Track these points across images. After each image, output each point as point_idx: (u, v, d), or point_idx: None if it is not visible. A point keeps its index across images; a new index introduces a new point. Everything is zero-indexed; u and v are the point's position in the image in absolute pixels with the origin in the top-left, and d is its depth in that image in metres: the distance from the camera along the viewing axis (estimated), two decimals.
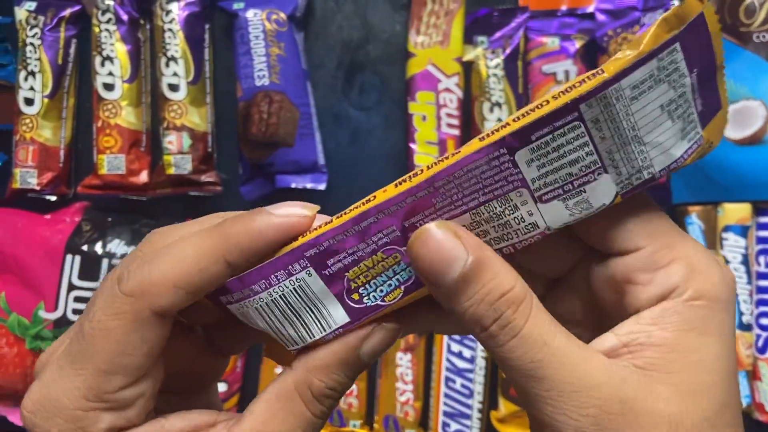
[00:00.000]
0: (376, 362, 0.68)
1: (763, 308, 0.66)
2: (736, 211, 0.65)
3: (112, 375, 0.23)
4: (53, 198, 0.68)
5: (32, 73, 0.66)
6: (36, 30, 0.67)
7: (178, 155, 0.66)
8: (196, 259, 0.23)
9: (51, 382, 0.24)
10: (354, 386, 0.67)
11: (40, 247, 0.65)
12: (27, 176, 0.66)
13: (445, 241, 0.21)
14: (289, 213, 0.23)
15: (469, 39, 0.67)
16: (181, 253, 0.23)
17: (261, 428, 0.24)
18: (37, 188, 0.66)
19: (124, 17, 0.66)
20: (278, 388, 0.25)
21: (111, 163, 0.66)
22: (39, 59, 0.66)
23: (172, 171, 0.66)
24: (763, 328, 0.66)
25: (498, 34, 0.67)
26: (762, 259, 0.66)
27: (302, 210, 0.24)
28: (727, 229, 0.66)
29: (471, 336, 0.66)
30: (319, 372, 0.25)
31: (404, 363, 0.66)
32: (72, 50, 0.68)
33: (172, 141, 0.66)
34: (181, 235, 0.24)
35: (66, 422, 0.23)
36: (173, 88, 0.66)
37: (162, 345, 0.24)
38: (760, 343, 0.66)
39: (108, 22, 0.66)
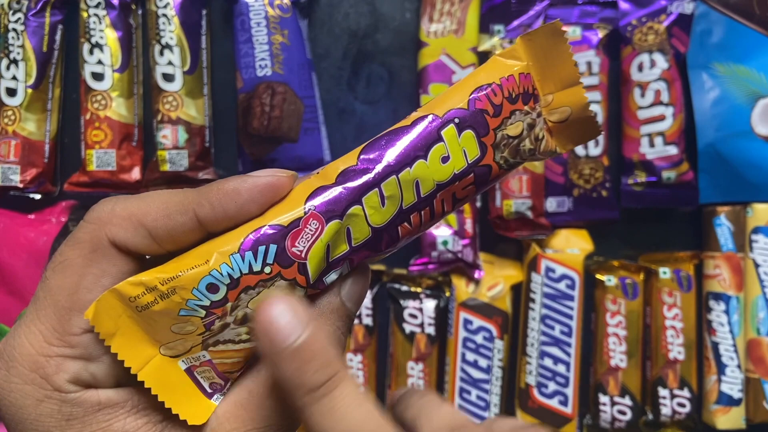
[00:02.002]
0: (385, 372, 0.64)
1: None
2: (766, 212, 0.62)
3: (73, 312, 0.22)
4: (38, 196, 0.62)
5: (14, 62, 0.61)
6: (19, 15, 0.61)
7: (173, 151, 0.61)
8: (164, 204, 0.23)
9: (15, 330, 0.23)
10: None
11: (23, 250, 0.60)
12: (9, 173, 0.61)
13: (282, 316, 0.22)
14: (265, 173, 0.23)
15: (485, 28, 0.63)
16: (151, 197, 0.23)
17: (248, 400, 0.24)
18: (20, 186, 0.61)
19: (115, 1, 0.61)
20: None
21: (100, 158, 0.61)
22: (22, 46, 0.61)
23: (166, 168, 0.61)
24: None
25: (516, 23, 0.63)
26: None
27: (278, 172, 0.24)
28: (756, 230, 0.62)
29: (487, 344, 0.62)
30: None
31: (416, 373, 0.62)
32: (58, 37, 0.63)
33: (166, 135, 0.61)
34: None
35: (28, 370, 0.22)
36: (168, 78, 0.61)
37: None
38: None
39: (97, 6, 0.61)
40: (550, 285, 0.62)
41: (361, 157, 0.25)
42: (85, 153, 0.61)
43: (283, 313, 0.21)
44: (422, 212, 0.25)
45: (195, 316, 0.23)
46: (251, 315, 0.24)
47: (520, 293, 0.64)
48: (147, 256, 0.24)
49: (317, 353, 0.21)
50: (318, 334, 0.22)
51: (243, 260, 0.23)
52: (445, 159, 0.25)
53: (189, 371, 0.24)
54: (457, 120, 0.25)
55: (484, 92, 0.25)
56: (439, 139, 0.25)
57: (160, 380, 0.24)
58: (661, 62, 0.62)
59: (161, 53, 0.61)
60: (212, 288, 0.23)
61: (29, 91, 0.61)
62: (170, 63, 0.61)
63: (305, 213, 0.24)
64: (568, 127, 0.27)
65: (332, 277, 0.25)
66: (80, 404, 0.23)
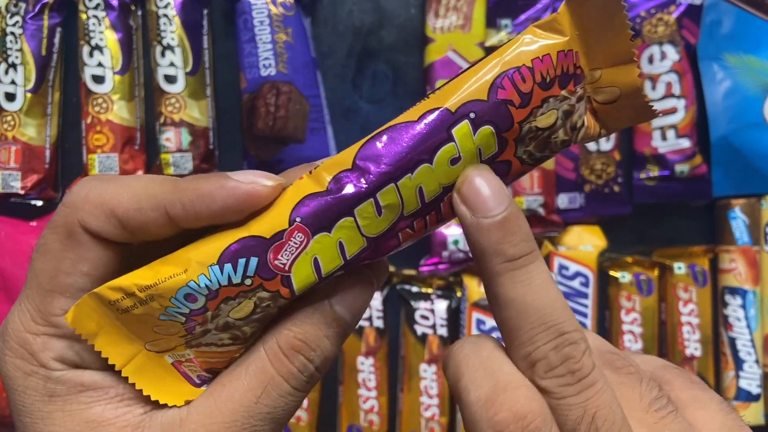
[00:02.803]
0: (397, 375, 0.63)
1: None
2: None
3: (54, 294, 0.23)
4: (39, 203, 0.61)
5: (13, 66, 0.60)
6: (17, 18, 0.60)
7: (177, 153, 0.60)
8: (138, 197, 0.22)
9: (13, 308, 0.24)
10: (375, 402, 0.61)
11: (26, 258, 0.59)
12: (10, 179, 0.59)
13: (487, 187, 0.22)
14: (246, 179, 0.22)
15: (492, 22, 0.62)
16: (128, 185, 0.22)
17: (219, 392, 0.23)
18: (21, 192, 0.60)
19: (114, 2, 0.60)
20: (249, 350, 0.24)
21: (103, 163, 0.60)
22: (20, 50, 0.60)
23: (170, 171, 0.60)
24: None
25: (523, 17, 0.62)
26: None
27: (263, 179, 0.22)
28: None
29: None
30: (287, 322, 0.23)
31: (429, 375, 0.61)
32: (57, 40, 0.62)
33: (170, 138, 0.60)
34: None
35: (18, 346, 0.23)
36: (170, 79, 0.60)
37: (105, 272, 0.23)
38: None
39: (96, 8, 0.60)
40: (563, 283, 0.61)
41: (357, 160, 0.22)
42: (87, 158, 0.60)
43: (489, 186, 0.22)
44: (427, 217, 0.23)
45: (175, 320, 0.22)
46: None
47: None
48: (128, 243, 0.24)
49: (520, 227, 0.22)
50: (520, 213, 0.22)
51: (222, 272, 0.22)
52: (454, 161, 0.22)
53: (175, 365, 0.24)
54: (472, 115, 0.22)
55: (510, 77, 0.22)
56: (449, 138, 0.22)
57: (145, 372, 0.23)
58: (672, 54, 0.61)
59: (163, 54, 0.60)
60: (190, 298, 0.22)
61: (28, 95, 0.60)
62: (172, 64, 0.60)
63: (290, 224, 0.22)
64: (616, 108, 0.23)
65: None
66: (63, 383, 0.23)
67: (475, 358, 0.22)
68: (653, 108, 0.23)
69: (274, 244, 0.22)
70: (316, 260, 0.22)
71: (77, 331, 0.22)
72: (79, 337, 0.23)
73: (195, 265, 0.22)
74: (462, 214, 0.22)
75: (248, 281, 0.22)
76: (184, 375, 0.24)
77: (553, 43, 0.22)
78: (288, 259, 0.22)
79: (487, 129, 0.22)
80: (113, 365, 0.23)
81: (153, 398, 0.23)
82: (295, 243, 0.22)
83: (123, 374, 0.23)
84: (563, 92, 0.22)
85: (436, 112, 0.22)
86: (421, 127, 0.22)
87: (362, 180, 0.22)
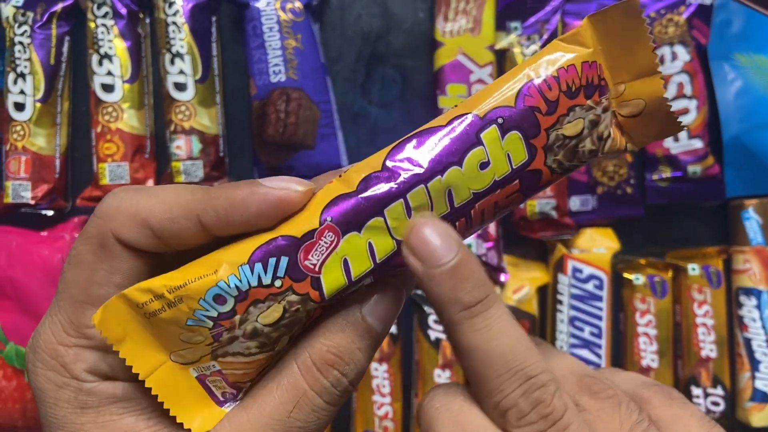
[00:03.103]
0: (411, 381, 0.63)
1: None
2: None
3: (86, 306, 0.23)
4: (50, 213, 0.61)
5: (22, 75, 0.60)
6: (25, 27, 0.60)
7: (187, 161, 0.60)
8: (170, 206, 0.22)
9: (44, 320, 0.23)
10: (389, 408, 0.61)
11: (38, 268, 0.58)
12: (20, 189, 0.59)
13: (436, 236, 0.22)
14: (278, 185, 0.22)
15: (501, 25, 0.62)
16: (160, 195, 0.23)
17: (251, 406, 0.23)
18: (32, 202, 0.59)
19: (123, 11, 0.60)
20: (280, 364, 0.23)
21: (113, 172, 0.59)
22: (29, 59, 0.60)
23: (181, 179, 0.60)
24: None
25: (533, 19, 0.62)
26: None
27: (294, 185, 0.22)
28: None
29: None
30: (319, 336, 0.23)
31: (443, 380, 0.61)
32: (65, 49, 0.61)
33: (180, 146, 0.59)
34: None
35: (50, 358, 0.23)
36: (180, 87, 0.60)
37: (138, 282, 0.23)
38: None
39: (105, 16, 0.60)
40: (577, 286, 0.60)
41: (387, 161, 0.22)
42: (97, 167, 0.60)
43: (437, 234, 0.21)
44: (457, 222, 0.23)
45: (203, 326, 0.22)
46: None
47: (546, 295, 0.63)
48: (160, 253, 0.24)
49: (472, 272, 0.21)
50: (471, 255, 0.22)
51: (252, 272, 0.22)
52: (484, 165, 0.22)
53: (200, 379, 0.23)
54: (500, 120, 0.22)
55: (536, 86, 0.22)
56: (478, 142, 0.22)
57: (169, 386, 0.23)
58: (683, 54, 0.60)
59: (172, 62, 0.60)
60: (220, 299, 0.22)
61: (38, 105, 0.60)
62: (181, 72, 0.60)
63: (320, 224, 0.22)
64: (642, 121, 0.23)
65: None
66: (95, 394, 0.23)
67: (446, 412, 0.22)
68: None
69: (304, 244, 0.22)
70: (345, 261, 0.22)
71: (103, 334, 0.22)
72: (110, 347, 0.23)
73: (225, 265, 0.22)
74: (412, 266, 0.22)
75: (278, 282, 0.22)
76: (208, 391, 0.23)
77: (577, 55, 0.23)
78: (318, 260, 0.22)
79: (515, 134, 0.22)
80: (137, 374, 0.23)
81: (178, 419, 0.23)
82: (325, 243, 0.22)
83: (146, 384, 0.23)
84: (589, 102, 0.23)
85: (465, 117, 0.22)
86: (450, 130, 0.22)
87: (392, 181, 0.22)
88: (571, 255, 0.61)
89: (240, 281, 0.22)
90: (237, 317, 0.22)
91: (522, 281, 0.62)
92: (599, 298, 0.60)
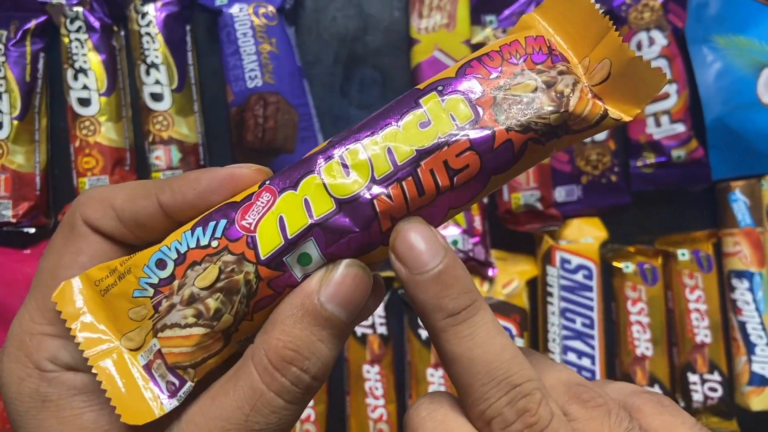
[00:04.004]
0: (404, 380, 0.62)
1: None
2: None
3: (53, 289, 0.23)
4: (32, 230, 0.60)
5: None
6: None
7: (167, 171, 0.59)
8: (133, 190, 0.24)
9: (17, 314, 0.24)
10: (383, 410, 0.60)
11: (22, 287, 0.58)
12: (1, 208, 0.59)
13: (421, 241, 0.21)
14: (228, 167, 0.23)
15: (476, 19, 0.62)
16: (126, 184, 0.25)
17: (208, 408, 0.22)
18: (13, 221, 0.59)
19: (96, 24, 0.60)
20: (239, 362, 0.22)
21: (93, 185, 0.59)
22: (4, 78, 0.59)
23: None
24: None
25: (507, 12, 0.61)
26: None
27: (245, 165, 0.24)
28: None
29: None
30: (274, 329, 0.22)
31: (436, 379, 0.60)
32: (40, 65, 0.61)
33: (159, 156, 0.59)
34: None
35: (15, 349, 0.23)
36: (156, 97, 0.59)
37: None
38: None
39: (78, 30, 0.59)
40: (566, 277, 0.60)
41: (330, 140, 0.23)
42: (77, 181, 0.59)
43: (422, 239, 0.21)
44: (404, 183, 0.22)
45: (145, 296, 0.22)
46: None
47: (536, 288, 0.62)
48: (129, 245, 0.25)
49: (458, 278, 0.21)
50: (457, 261, 0.22)
51: (192, 235, 0.22)
52: (424, 124, 0.22)
53: (147, 368, 0.23)
54: (440, 87, 0.22)
55: (478, 59, 0.23)
56: (417, 106, 0.22)
57: (116, 373, 0.23)
58: (660, 39, 0.60)
59: (147, 73, 0.59)
60: (161, 264, 0.22)
61: (15, 123, 0.59)
62: (157, 82, 0.59)
63: (259, 187, 0.22)
64: (620, 82, 0.22)
65: (298, 263, 0.22)
66: (56, 385, 0.23)
67: (431, 421, 0.21)
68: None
69: (242, 206, 0.22)
70: (281, 219, 0.22)
71: (58, 308, 0.22)
72: (69, 332, 0.23)
73: (172, 236, 0.23)
74: (398, 271, 0.22)
75: (215, 243, 0.22)
76: (154, 381, 0.23)
77: (520, 33, 0.23)
78: (254, 219, 0.22)
79: (455, 97, 0.22)
80: (90, 364, 0.22)
81: (116, 410, 0.22)
82: (261, 203, 0.22)
83: (93, 369, 0.22)
84: (539, 66, 0.23)
85: (406, 93, 0.23)
86: (390, 104, 0.23)
87: (330, 147, 0.22)
88: (559, 246, 0.60)
89: (180, 244, 0.22)
90: (176, 282, 0.22)
91: (511, 275, 0.61)
92: (589, 288, 0.60)
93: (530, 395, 0.20)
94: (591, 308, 0.60)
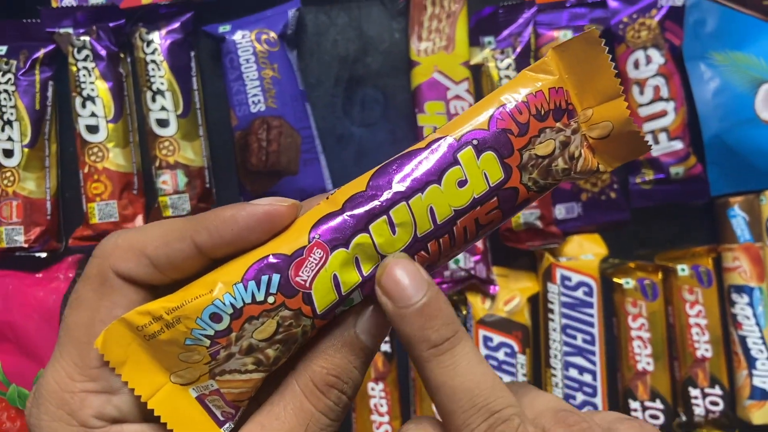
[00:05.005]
0: (409, 396, 0.63)
1: None
2: None
3: (91, 346, 0.23)
4: (43, 255, 0.62)
5: (9, 123, 0.61)
6: (9, 75, 0.61)
7: (174, 195, 0.61)
8: (163, 233, 0.24)
9: (45, 372, 0.24)
10: (389, 426, 0.61)
11: (35, 310, 0.60)
12: (13, 234, 0.61)
13: (406, 276, 0.23)
14: (264, 202, 0.24)
15: (475, 41, 0.63)
16: (152, 227, 0.24)
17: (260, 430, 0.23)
18: (26, 245, 0.61)
19: (102, 52, 0.61)
20: (281, 388, 0.24)
21: (102, 210, 0.61)
22: (15, 107, 0.61)
23: (169, 213, 0.61)
24: None
25: (505, 33, 0.62)
26: None
27: (275, 201, 0.24)
28: None
29: (510, 360, 0.61)
30: (317, 358, 0.24)
31: None
32: (49, 93, 0.63)
33: (166, 181, 0.61)
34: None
35: (55, 407, 0.23)
36: (162, 123, 0.61)
37: None
38: None
39: (85, 59, 0.61)
40: (567, 294, 0.61)
41: (371, 182, 0.24)
42: (86, 206, 0.61)
43: (407, 274, 0.23)
44: (441, 240, 0.24)
45: (200, 345, 0.23)
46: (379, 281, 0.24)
47: (537, 305, 0.63)
48: (157, 286, 0.25)
49: (440, 311, 0.23)
50: (440, 294, 0.23)
51: (246, 290, 0.23)
52: (462, 183, 0.24)
53: (200, 399, 0.24)
54: (475, 141, 0.24)
55: (508, 110, 0.24)
56: (455, 162, 0.24)
57: (171, 408, 0.24)
58: (657, 57, 0.61)
59: (153, 99, 0.61)
60: (215, 317, 0.23)
61: (26, 150, 0.61)
62: (163, 108, 0.61)
63: (309, 241, 0.23)
64: (612, 142, 0.25)
65: (343, 306, 0.24)
66: None
67: None
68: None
69: (295, 261, 0.23)
70: (335, 277, 0.23)
71: (105, 358, 0.23)
72: (116, 389, 0.23)
73: (220, 284, 0.23)
74: (384, 305, 0.23)
75: (271, 299, 0.23)
76: (208, 411, 0.24)
77: (544, 82, 0.25)
78: (309, 276, 0.23)
79: (490, 154, 0.24)
80: (143, 401, 0.23)
81: None
82: (314, 259, 0.23)
83: (149, 406, 0.23)
84: (558, 124, 0.24)
85: (443, 140, 0.24)
86: (429, 153, 0.24)
87: (375, 199, 0.23)
88: (559, 263, 0.61)
89: (234, 299, 0.23)
90: (233, 334, 0.23)
91: (512, 292, 0.62)
92: (590, 305, 0.60)
93: (509, 420, 0.22)
94: (592, 324, 0.60)
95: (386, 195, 0.23)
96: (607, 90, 0.24)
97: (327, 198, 0.24)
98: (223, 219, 0.23)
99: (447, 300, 0.23)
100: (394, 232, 0.23)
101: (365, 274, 0.24)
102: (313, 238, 0.23)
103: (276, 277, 0.23)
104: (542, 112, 0.24)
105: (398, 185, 0.24)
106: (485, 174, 0.24)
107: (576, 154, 0.25)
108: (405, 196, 0.23)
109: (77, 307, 0.24)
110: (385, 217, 0.23)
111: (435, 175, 0.24)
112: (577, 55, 0.25)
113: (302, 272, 0.23)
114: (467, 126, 0.24)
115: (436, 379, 0.22)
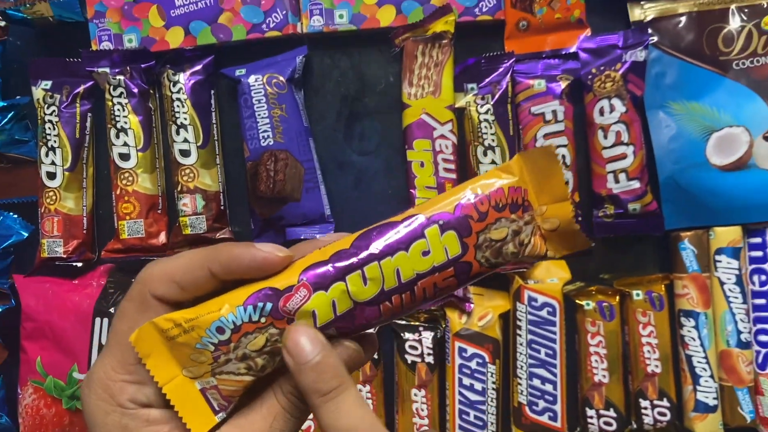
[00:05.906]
0: (393, 400, 0.71)
1: (760, 325, 0.68)
2: (727, 234, 0.68)
3: (131, 348, 0.30)
4: (79, 264, 0.72)
5: (52, 149, 0.71)
6: (53, 108, 0.71)
7: (193, 216, 0.70)
8: (187, 262, 0.30)
9: (94, 363, 0.31)
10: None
11: (71, 312, 0.69)
12: (54, 245, 0.70)
13: (304, 339, 0.29)
14: (266, 249, 0.30)
15: (459, 87, 0.71)
16: (180, 259, 0.31)
17: (248, 427, 0.31)
18: (64, 256, 0.70)
19: (135, 90, 0.70)
20: (264, 395, 0.32)
21: (131, 228, 0.70)
22: (58, 135, 0.71)
23: (188, 231, 0.70)
24: (762, 344, 0.68)
25: (486, 80, 0.70)
26: (756, 278, 0.68)
27: (277, 251, 0.30)
28: (719, 251, 0.68)
29: (481, 369, 0.69)
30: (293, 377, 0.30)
31: (419, 399, 0.70)
32: (88, 123, 0.72)
33: (186, 203, 0.70)
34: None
35: (102, 391, 0.30)
36: (184, 153, 0.70)
37: None
38: (760, 359, 0.68)
39: (120, 96, 0.70)
40: (533, 313, 0.69)
41: (354, 242, 0.30)
42: (118, 224, 0.70)
43: (306, 338, 0.29)
44: (403, 295, 0.30)
45: (207, 349, 0.31)
46: (282, 340, 0.30)
47: (508, 321, 0.71)
48: (182, 302, 0.32)
49: (329, 368, 0.29)
50: (330, 354, 0.29)
51: (245, 312, 0.30)
52: (425, 253, 0.29)
53: (203, 391, 0.32)
54: (441, 222, 0.30)
55: (472, 201, 0.30)
56: (422, 236, 0.30)
57: (180, 395, 0.31)
58: (619, 107, 0.69)
59: (177, 132, 0.70)
60: (220, 330, 0.30)
61: (66, 173, 0.71)
62: (186, 140, 0.70)
63: (298, 282, 0.30)
64: (560, 236, 0.31)
65: None
66: (135, 418, 0.30)
67: None
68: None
69: (284, 295, 0.30)
70: (314, 312, 0.31)
71: (136, 349, 0.31)
72: (146, 379, 0.31)
73: (227, 305, 0.31)
74: (287, 362, 0.30)
75: (263, 320, 0.30)
76: (208, 401, 0.32)
77: (506, 182, 0.31)
78: (293, 308, 0.30)
79: (451, 233, 0.30)
80: (159, 386, 0.31)
81: (183, 420, 0.31)
82: (299, 296, 0.30)
83: (163, 391, 0.31)
84: (513, 216, 0.31)
85: (416, 217, 0.31)
86: (403, 226, 0.31)
87: (354, 257, 0.30)
88: (527, 285, 0.69)
89: (236, 318, 0.30)
90: (232, 344, 0.31)
91: (486, 309, 0.71)
92: (553, 323, 0.69)
93: None
94: (554, 340, 0.69)
95: (363, 254, 0.30)
96: (558, 193, 0.30)
97: (320, 249, 0.31)
98: (231, 256, 0.30)
99: (337, 357, 0.30)
100: (365, 284, 0.30)
101: (338, 314, 0.30)
102: (301, 279, 0.30)
103: (269, 305, 0.30)
104: (500, 205, 0.30)
105: (374, 248, 0.30)
106: (446, 248, 0.29)
107: (525, 242, 0.30)
108: (377, 257, 0.29)
109: (122, 318, 0.31)
110: (359, 271, 0.30)
111: (404, 244, 0.30)
112: (537, 162, 0.30)
113: (289, 304, 0.30)
114: (437, 208, 0.30)
115: (325, 422, 0.29)
